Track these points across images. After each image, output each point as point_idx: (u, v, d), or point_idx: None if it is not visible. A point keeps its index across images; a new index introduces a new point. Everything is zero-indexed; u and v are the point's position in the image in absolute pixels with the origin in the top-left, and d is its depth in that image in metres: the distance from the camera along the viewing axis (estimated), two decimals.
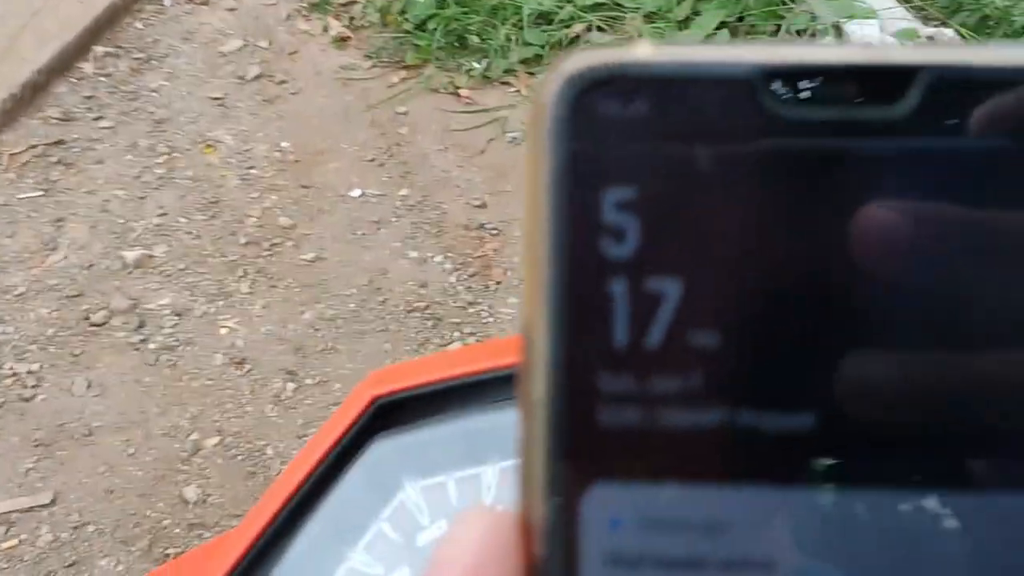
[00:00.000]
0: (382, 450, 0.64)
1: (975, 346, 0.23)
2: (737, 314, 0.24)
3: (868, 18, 2.73)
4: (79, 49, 3.18)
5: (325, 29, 3.28)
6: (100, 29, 3.25)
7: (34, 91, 3.03)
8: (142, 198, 2.72)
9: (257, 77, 3.12)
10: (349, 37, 3.25)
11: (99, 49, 3.21)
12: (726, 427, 0.24)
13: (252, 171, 2.81)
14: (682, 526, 0.24)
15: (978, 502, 0.23)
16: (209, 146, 2.89)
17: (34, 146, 2.86)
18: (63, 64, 3.12)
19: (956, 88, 0.23)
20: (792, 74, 0.24)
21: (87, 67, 3.15)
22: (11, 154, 2.82)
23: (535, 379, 0.24)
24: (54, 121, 2.96)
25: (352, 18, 3.30)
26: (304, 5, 3.38)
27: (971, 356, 0.23)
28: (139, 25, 3.32)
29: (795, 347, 0.24)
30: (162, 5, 3.40)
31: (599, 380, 0.24)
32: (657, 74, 0.24)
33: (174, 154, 2.86)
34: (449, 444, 0.63)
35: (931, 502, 0.23)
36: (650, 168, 0.24)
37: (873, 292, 0.23)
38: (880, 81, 0.24)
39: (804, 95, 0.24)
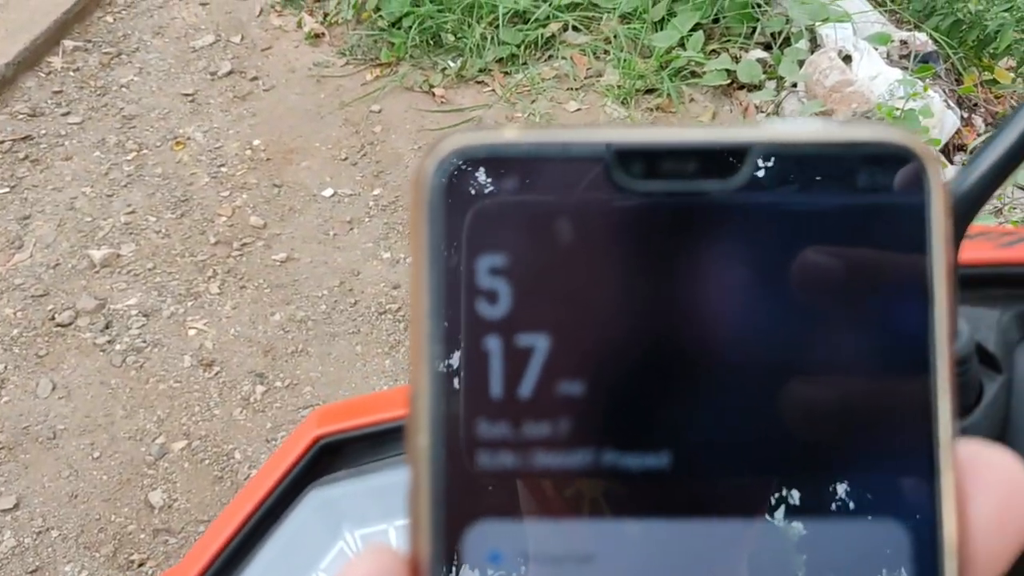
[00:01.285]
0: (323, 496, 0.63)
1: (814, 382, 0.26)
2: (598, 365, 0.26)
3: (841, 22, 2.73)
4: (48, 43, 3.13)
5: (299, 25, 3.25)
6: (70, 23, 3.20)
7: (2, 86, 2.98)
8: (110, 196, 2.68)
9: (229, 73, 3.09)
10: (323, 34, 3.22)
11: (68, 43, 3.16)
12: (591, 467, 0.26)
13: (223, 169, 2.78)
14: (555, 558, 0.26)
15: (823, 526, 0.26)
16: (179, 143, 2.85)
17: (1, 142, 2.82)
18: (32, 58, 3.08)
19: (782, 162, 0.26)
20: (638, 153, 0.27)
21: (56, 61, 3.10)
22: None
23: (420, 429, 0.26)
24: (21, 116, 2.91)
25: (326, 14, 3.27)
26: (278, 0, 3.35)
27: (810, 392, 0.26)
28: (109, 19, 3.28)
29: (649, 393, 0.26)
30: None
31: (477, 428, 0.26)
32: (523, 154, 0.27)
33: (143, 151, 2.82)
34: (391, 490, 0.62)
35: (779, 527, 0.26)
36: (518, 236, 0.26)
37: (712, 340, 0.26)
38: (714, 159, 0.27)
39: (649, 170, 0.27)
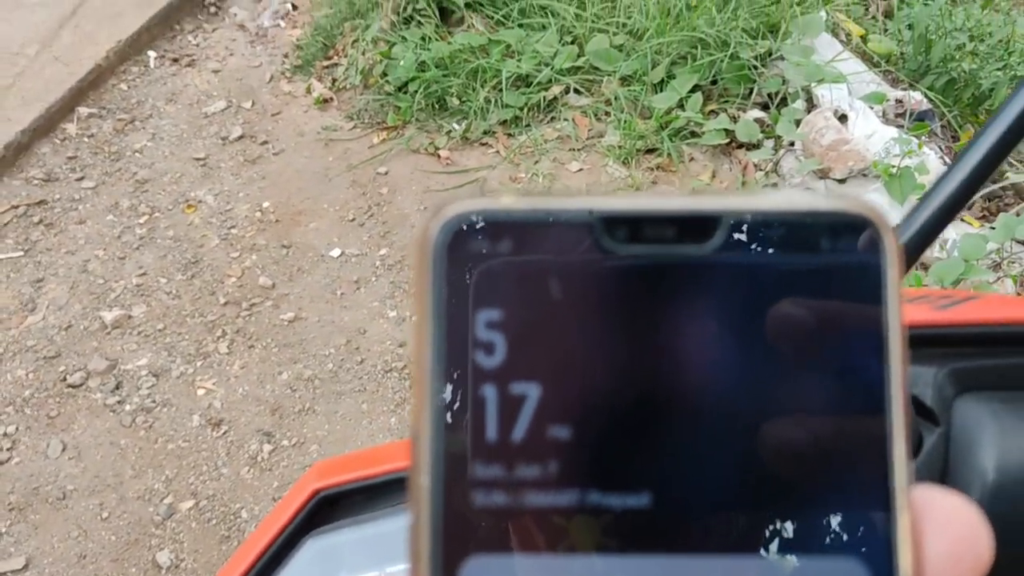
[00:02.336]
0: (320, 545, 0.65)
1: (781, 426, 0.29)
2: (584, 412, 0.29)
3: (837, 82, 2.79)
4: (63, 110, 3.21)
5: (308, 91, 3.33)
6: (85, 90, 3.29)
7: (17, 152, 3.05)
8: (122, 258, 2.73)
9: (240, 138, 3.16)
10: (331, 99, 3.29)
11: (83, 110, 3.24)
12: (577, 506, 0.28)
13: (233, 231, 2.83)
14: None
15: (786, 562, 0.28)
16: (191, 206, 2.91)
17: (16, 207, 2.88)
18: (47, 125, 3.16)
19: (753, 229, 0.29)
20: (621, 220, 0.29)
21: (71, 128, 3.18)
22: None
23: (420, 470, 0.28)
24: (36, 181, 2.98)
25: (335, 80, 3.35)
26: (288, 67, 3.44)
27: (777, 436, 0.29)
28: (124, 87, 3.37)
29: (630, 438, 0.29)
30: (147, 67, 3.45)
31: (473, 470, 0.28)
32: (517, 218, 0.29)
33: (155, 214, 2.88)
34: (386, 538, 0.64)
35: (748, 563, 0.28)
36: (514, 293, 0.29)
37: (688, 389, 0.29)
38: (690, 225, 0.30)
39: (631, 235, 0.29)
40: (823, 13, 3.11)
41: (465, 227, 0.29)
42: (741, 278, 0.29)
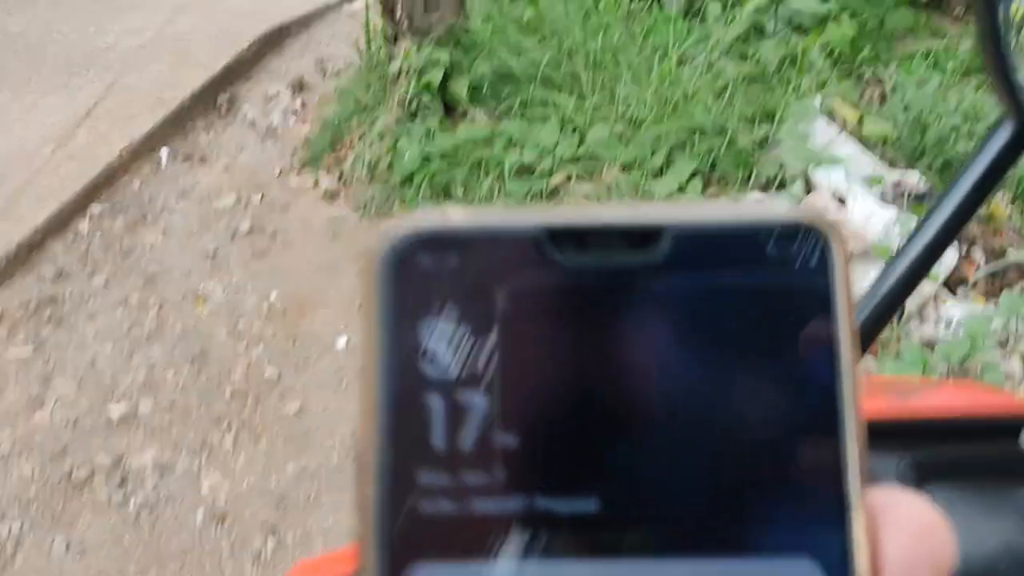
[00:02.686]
0: None
1: (714, 436, 0.29)
2: (531, 420, 0.29)
3: (834, 165, 2.82)
4: (76, 208, 3.28)
5: (316, 183, 3.39)
6: (98, 188, 3.36)
7: (31, 250, 3.11)
8: (131, 353, 2.75)
9: (249, 231, 3.21)
10: (339, 191, 3.35)
11: (96, 207, 3.31)
12: (523, 513, 0.29)
13: (240, 323, 2.85)
14: None
15: (742, 565, 0.29)
16: (200, 300, 2.94)
17: (27, 304, 2.92)
18: (60, 223, 3.22)
19: (696, 239, 0.30)
20: (565, 232, 0.30)
21: (83, 225, 3.24)
22: (4, 312, 2.88)
23: (367, 482, 0.29)
24: (48, 278, 3.03)
25: (342, 173, 3.42)
26: (297, 162, 3.51)
27: (713, 442, 0.29)
28: (137, 184, 3.44)
29: (577, 445, 0.29)
30: (160, 165, 3.53)
31: (419, 478, 0.29)
32: (463, 233, 0.30)
33: (164, 308, 2.91)
34: None
35: (700, 567, 0.29)
36: (460, 306, 0.29)
37: (633, 397, 0.29)
38: (634, 237, 0.30)
39: (577, 247, 0.30)
40: (818, 98, 3.17)
41: (411, 243, 0.30)
42: (686, 289, 0.30)
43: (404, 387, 0.29)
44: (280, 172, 3.48)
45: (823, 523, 0.29)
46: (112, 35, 4.36)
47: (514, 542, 0.29)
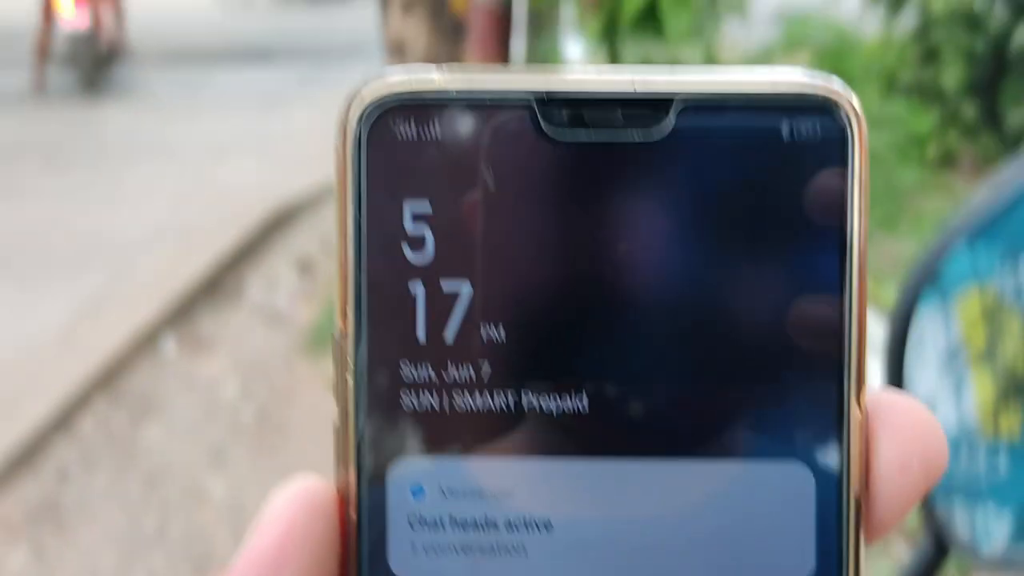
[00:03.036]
0: None
1: (711, 330, 0.27)
2: (518, 311, 0.27)
3: None
4: (79, 403, 3.23)
5: (321, 369, 3.35)
6: (100, 382, 3.32)
7: (31, 450, 3.04)
8: (131, 557, 2.64)
9: (254, 423, 3.15)
10: None
11: (99, 402, 3.26)
12: (509, 408, 0.27)
13: (244, 522, 2.75)
14: (474, 493, 0.27)
15: (734, 464, 0.27)
16: (202, 498, 2.86)
17: (28, 508, 2.83)
18: (62, 420, 3.16)
19: (705, 111, 0.27)
20: (563, 102, 0.27)
21: (86, 422, 3.18)
22: (4, 518, 2.79)
23: (347, 369, 0.27)
24: (50, 480, 2.94)
25: None
26: (302, 346, 3.49)
27: (725, 331, 0.27)
28: (139, 375, 3.40)
29: (566, 338, 0.27)
30: (164, 355, 3.50)
31: (402, 369, 0.27)
32: (448, 99, 0.27)
33: (167, 509, 2.82)
34: None
35: (692, 466, 0.27)
36: (444, 183, 0.27)
37: (627, 289, 0.27)
38: (639, 109, 0.27)
39: (574, 119, 0.27)
40: None
41: (390, 109, 0.27)
42: (691, 166, 0.27)
43: (384, 272, 0.27)
44: (285, 359, 3.44)
45: (818, 425, 0.27)
46: (120, 223, 4.42)
47: (500, 440, 0.27)
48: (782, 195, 0.27)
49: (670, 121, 0.27)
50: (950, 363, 0.55)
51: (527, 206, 0.27)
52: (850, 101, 0.27)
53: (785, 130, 0.27)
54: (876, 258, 3.44)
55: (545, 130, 0.27)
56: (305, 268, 4.07)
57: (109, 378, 3.35)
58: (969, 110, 4.33)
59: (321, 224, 4.49)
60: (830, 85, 0.27)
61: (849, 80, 0.27)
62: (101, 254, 4.10)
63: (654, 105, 0.27)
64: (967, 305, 0.53)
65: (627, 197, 0.27)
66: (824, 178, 0.27)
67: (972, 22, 4.35)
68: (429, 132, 0.27)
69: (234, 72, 7.87)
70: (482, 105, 0.27)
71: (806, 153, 0.27)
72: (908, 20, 4.61)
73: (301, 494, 0.28)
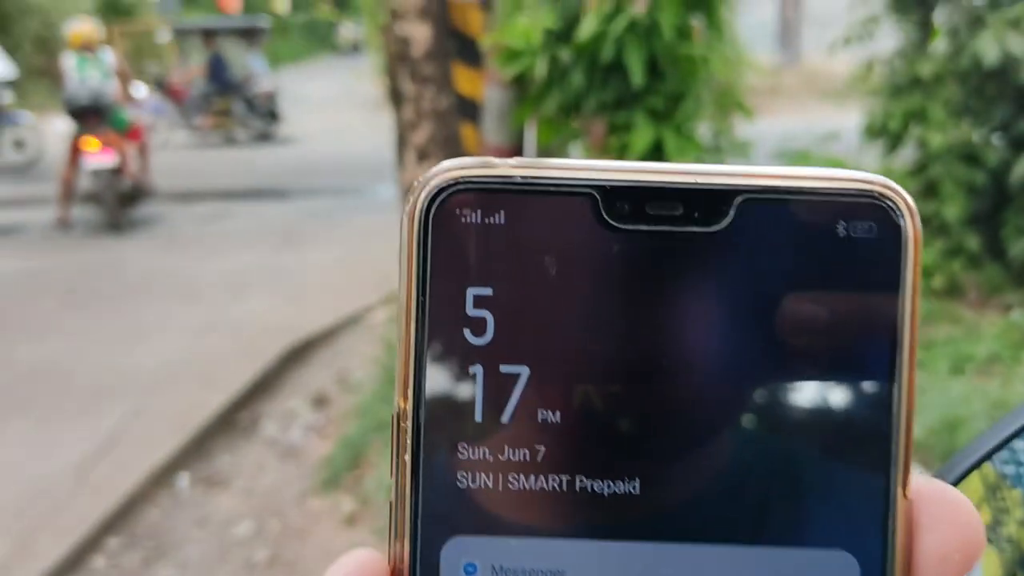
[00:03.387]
0: None
1: (762, 420, 0.27)
2: (577, 397, 0.27)
3: None
4: (93, 543, 3.20)
5: (335, 507, 3.33)
6: (115, 520, 3.30)
7: None
8: None
9: (267, 562, 3.11)
10: (359, 514, 3.29)
11: (113, 541, 3.24)
12: (564, 491, 0.27)
13: None
14: (525, 572, 0.27)
15: (783, 554, 0.27)
16: None
17: None
18: (76, 560, 3.13)
19: (766, 207, 0.27)
20: (626, 193, 0.27)
21: (99, 562, 3.15)
22: None
23: (405, 447, 0.27)
24: None
25: (363, 493, 3.37)
26: (316, 482, 3.48)
27: (775, 431, 0.27)
28: (155, 513, 3.39)
29: (621, 425, 0.27)
30: (179, 491, 3.49)
31: (459, 449, 0.27)
32: (512, 184, 0.27)
33: None
34: None
35: (740, 554, 0.27)
36: (507, 269, 0.27)
37: (681, 380, 0.27)
38: (700, 202, 0.27)
39: (636, 211, 0.27)
40: None
41: (456, 192, 0.27)
42: (750, 261, 0.27)
43: (445, 354, 0.27)
44: (299, 495, 3.43)
45: (864, 514, 0.27)
46: (139, 359, 4.47)
47: (552, 522, 0.27)
48: (837, 289, 0.27)
49: (729, 216, 0.27)
50: None
51: (586, 293, 0.27)
52: (904, 199, 0.27)
53: (841, 227, 0.27)
54: None
55: (607, 220, 0.27)
56: (320, 403, 4.09)
57: (124, 516, 3.34)
58: (972, 241, 4.41)
59: (338, 360, 4.54)
60: (886, 182, 0.27)
61: None
62: (119, 390, 4.14)
63: (715, 200, 0.27)
64: (969, 485, 0.56)
65: (684, 287, 0.27)
66: (879, 274, 0.27)
67: (971, 157, 4.48)
68: (493, 217, 0.27)
69: (251, 207, 8.09)
70: (546, 192, 0.27)
71: (861, 249, 0.27)
72: (907, 155, 4.75)
73: (358, 569, 0.28)
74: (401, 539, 0.28)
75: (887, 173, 3.81)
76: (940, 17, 4.73)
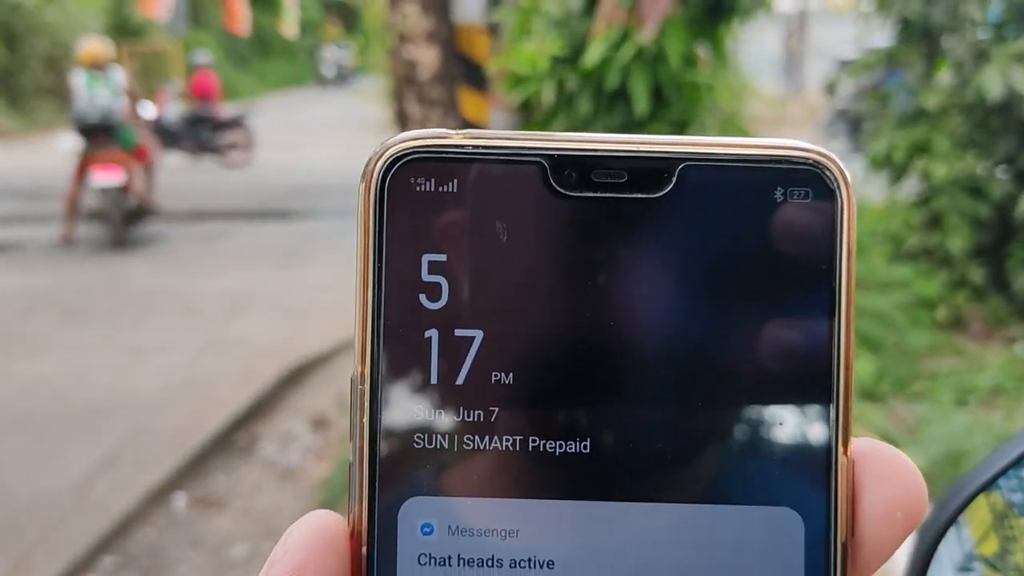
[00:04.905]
0: None
1: (707, 380, 0.28)
2: (529, 359, 0.28)
3: None
4: (88, 562, 3.17)
5: None
6: (111, 540, 3.27)
7: None
8: None
9: None
10: None
11: (108, 560, 3.21)
12: (517, 451, 0.28)
13: None
14: (481, 531, 0.28)
15: (725, 510, 0.28)
16: None
17: None
18: None
19: (705, 173, 0.28)
20: (573, 161, 0.28)
21: None
22: None
23: (363, 410, 0.28)
24: None
25: None
26: (314, 505, 3.45)
27: (719, 384, 0.28)
28: (151, 532, 3.36)
29: (572, 387, 0.28)
30: (175, 511, 3.47)
31: (415, 412, 0.28)
32: (465, 156, 0.28)
33: None
34: None
35: (685, 511, 0.28)
36: (459, 236, 0.28)
37: (630, 341, 0.28)
38: (643, 170, 0.28)
39: (583, 178, 0.28)
40: None
41: (409, 161, 0.28)
42: (692, 226, 0.28)
43: (401, 319, 0.28)
44: (296, 517, 3.40)
45: (807, 473, 0.28)
46: (138, 377, 4.46)
47: (507, 480, 0.28)
48: (775, 250, 0.28)
49: (672, 182, 0.29)
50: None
51: (537, 259, 0.28)
52: (839, 166, 0.29)
53: (779, 192, 0.28)
54: (890, 424, 3.43)
55: (554, 187, 0.28)
56: (318, 425, 4.07)
57: (120, 536, 3.31)
58: (976, 274, 4.41)
59: (336, 381, 4.52)
60: (822, 150, 0.29)
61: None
62: (118, 409, 4.13)
63: (658, 167, 0.29)
64: (977, 513, 0.55)
65: (630, 250, 0.28)
66: (813, 239, 0.28)
67: (975, 189, 4.48)
68: (446, 185, 0.28)
69: (253, 227, 8.10)
70: (496, 162, 0.28)
71: (798, 214, 0.28)
72: (911, 187, 4.75)
73: (317, 529, 0.29)
74: (360, 500, 0.29)
75: (891, 204, 3.82)
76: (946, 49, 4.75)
